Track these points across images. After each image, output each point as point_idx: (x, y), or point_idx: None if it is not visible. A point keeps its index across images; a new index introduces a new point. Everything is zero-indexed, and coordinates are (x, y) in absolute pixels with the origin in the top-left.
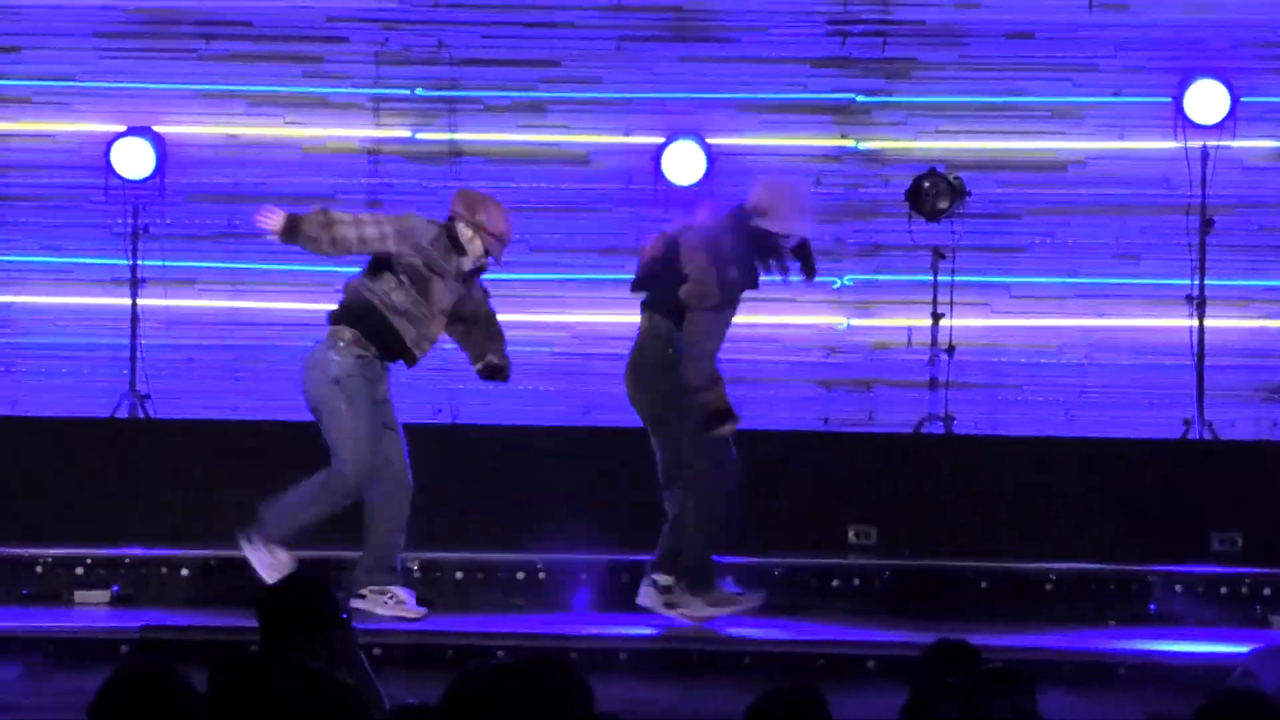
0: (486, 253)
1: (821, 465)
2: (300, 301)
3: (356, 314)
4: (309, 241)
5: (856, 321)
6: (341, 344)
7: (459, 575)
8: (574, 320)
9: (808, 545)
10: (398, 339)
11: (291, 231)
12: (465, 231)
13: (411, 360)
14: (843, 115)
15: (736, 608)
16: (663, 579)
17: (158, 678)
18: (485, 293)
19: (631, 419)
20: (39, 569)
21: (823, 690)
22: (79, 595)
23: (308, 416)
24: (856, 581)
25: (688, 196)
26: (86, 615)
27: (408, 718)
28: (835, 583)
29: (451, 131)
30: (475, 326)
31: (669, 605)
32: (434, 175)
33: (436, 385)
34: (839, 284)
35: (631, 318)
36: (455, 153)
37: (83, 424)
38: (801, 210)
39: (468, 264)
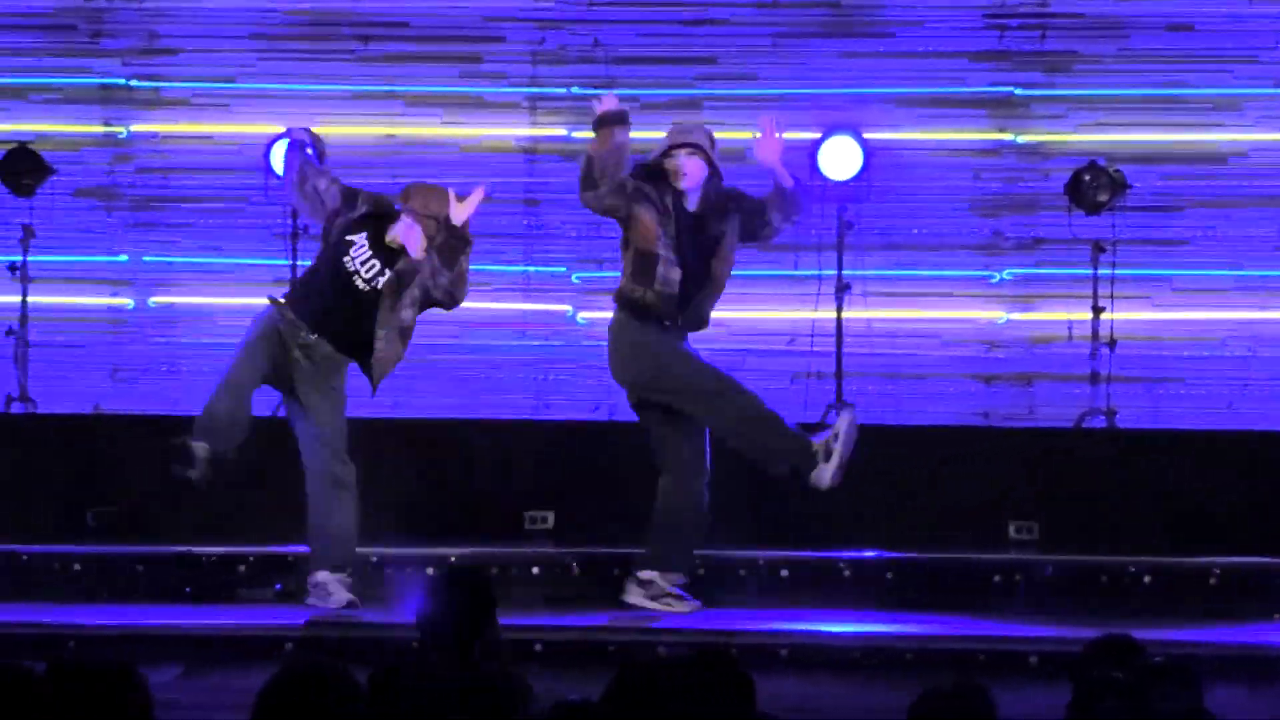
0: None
1: (982, 460)
2: (479, 301)
3: None
4: None
5: (1016, 316)
6: None
7: (617, 572)
8: (729, 317)
9: (969, 541)
10: None
11: None
12: None
13: None
14: (1001, 109)
15: (670, 609)
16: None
17: (321, 675)
18: None
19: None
20: (204, 566)
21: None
22: (243, 593)
23: (465, 414)
24: (1018, 577)
25: (844, 192)
26: (251, 613)
27: (569, 714)
28: (997, 578)
29: None
30: None
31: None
32: None
33: (596, 383)
34: (998, 278)
35: (781, 314)
36: None
37: None
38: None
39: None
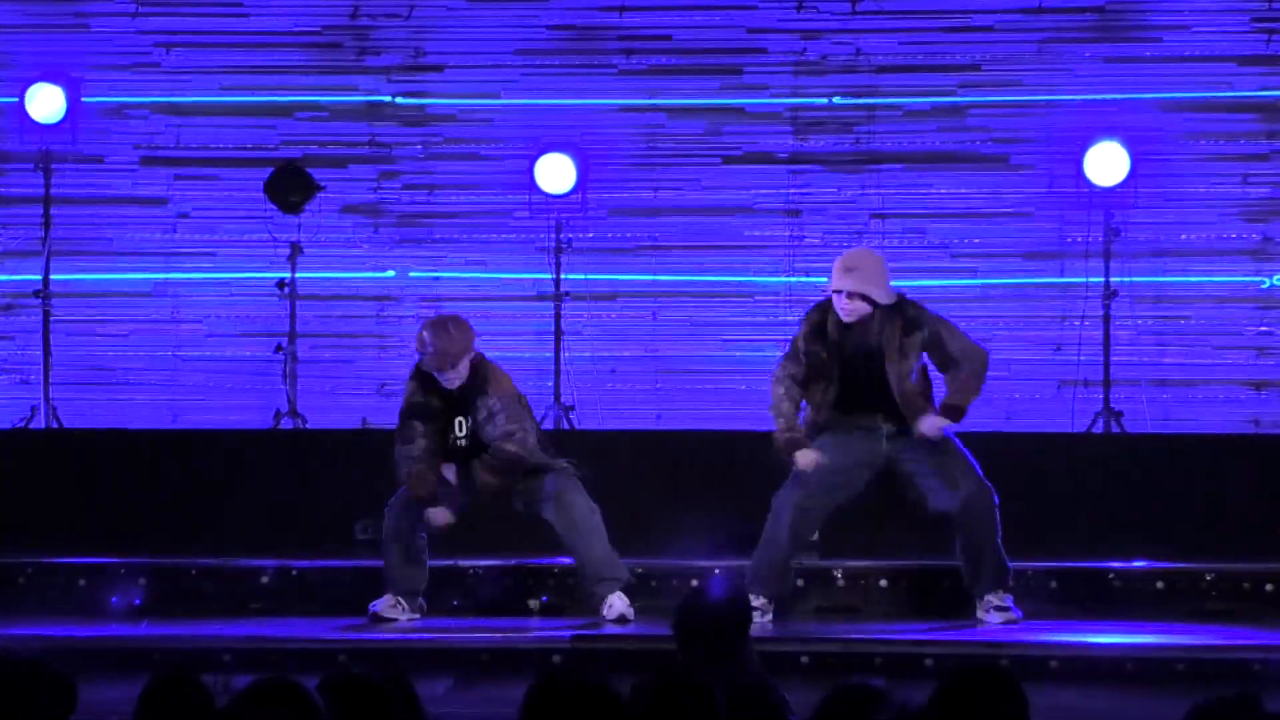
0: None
1: (1252, 468)
2: (720, 312)
3: None
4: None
5: None
6: None
7: (883, 583)
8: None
9: (1239, 550)
10: None
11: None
12: None
13: None
14: (1270, 113)
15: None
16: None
17: (582, 685)
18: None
19: (1048, 424)
20: (469, 580)
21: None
22: (530, 604)
23: (728, 425)
24: None
25: (1111, 198)
26: (519, 624)
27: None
28: (1268, 587)
29: (868, 139)
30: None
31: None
32: (852, 184)
33: None
34: (1268, 284)
35: (1048, 320)
36: (873, 160)
37: None
38: None
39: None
